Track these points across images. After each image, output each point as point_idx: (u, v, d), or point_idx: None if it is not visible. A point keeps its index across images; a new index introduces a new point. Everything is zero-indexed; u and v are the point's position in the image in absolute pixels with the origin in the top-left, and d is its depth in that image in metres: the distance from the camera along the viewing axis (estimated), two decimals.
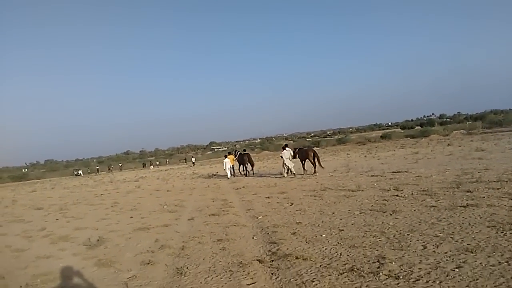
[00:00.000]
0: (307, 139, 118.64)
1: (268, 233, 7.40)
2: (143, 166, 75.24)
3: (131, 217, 11.65)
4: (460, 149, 24.31)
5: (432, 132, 62.81)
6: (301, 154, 20.15)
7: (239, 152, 25.59)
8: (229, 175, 23.40)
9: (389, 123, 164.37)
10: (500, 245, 5.07)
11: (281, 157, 19.50)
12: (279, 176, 19.86)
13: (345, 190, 11.88)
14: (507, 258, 4.56)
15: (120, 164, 79.27)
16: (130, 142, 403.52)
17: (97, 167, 78.68)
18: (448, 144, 31.67)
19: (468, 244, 5.26)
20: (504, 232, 5.60)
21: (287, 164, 19.26)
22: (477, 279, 4.07)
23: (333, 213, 8.67)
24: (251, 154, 25.92)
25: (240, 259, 5.89)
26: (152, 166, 70.70)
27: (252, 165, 23.75)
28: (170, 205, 13.33)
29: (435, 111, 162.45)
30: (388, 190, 10.94)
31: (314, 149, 20.96)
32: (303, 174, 19.22)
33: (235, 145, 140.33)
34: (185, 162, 72.89)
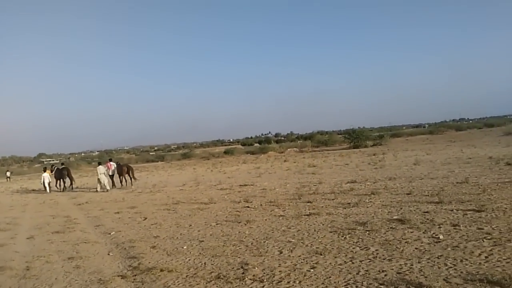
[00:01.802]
0: (151, 153, 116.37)
1: (125, 248, 7.10)
2: None
3: None
4: (296, 165, 26.82)
5: (269, 149, 67.94)
6: (118, 169, 21.39)
7: (56, 167, 24.85)
8: (46, 188, 22.83)
9: (231, 140, 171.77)
10: (343, 247, 5.83)
11: (97, 172, 20.77)
12: (127, 190, 19.15)
13: (198, 203, 12.08)
14: (350, 257, 5.28)
15: None
16: None
17: None
18: (285, 160, 34.66)
19: (317, 248, 5.91)
20: (344, 236, 6.45)
21: (100, 179, 20.22)
22: (330, 277, 4.62)
23: (190, 225, 8.76)
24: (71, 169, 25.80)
25: (99, 276, 5.53)
26: None
27: (72, 180, 23.62)
28: (1, 223, 11.69)
29: (272, 130, 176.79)
30: (239, 202, 11.50)
31: (131, 165, 23.37)
32: (120, 188, 20.98)
33: (69, 158, 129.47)
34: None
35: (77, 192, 21.51)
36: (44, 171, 23.88)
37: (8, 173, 53.35)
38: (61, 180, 23.31)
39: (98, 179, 20.28)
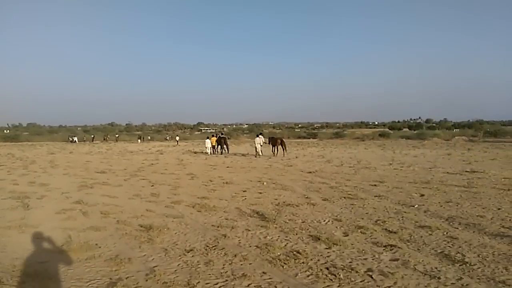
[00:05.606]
0: (296, 130, 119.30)
1: (460, 223, 6.95)
2: (139, 139, 72.02)
3: (244, 190, 11.13)
4: (493, 156, 24.36)
5: (428, 135, 63.23)
6: (272, 141, 26.29)
7: (218, 136, 31.30)
8: (209, 152, 29.40)
9: (376, 122, 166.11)
10: None
11: (254, 142, 25.67)
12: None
13: (451, 186, 11.57)
14: None
15: (117, 135, 77.55)
16: (115, 114, 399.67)
17: (93, 136, 76.30)
18: (469, 149, 32.04)
19: None
20: None
21: (257, 148, 25.06)
22: None
23: (486, 207, 8.29)
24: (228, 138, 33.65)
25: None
26: (139, 140, 68.57)
27: (227, 147, 30.14)
28: (266, 181, 12.98)
29: (422, 116, 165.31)
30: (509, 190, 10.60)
31: (284, 139, 27.96)
32: (270, 157, 24.69)
33: (222, 128, 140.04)
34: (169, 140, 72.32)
35: (231, 157, 26.32)
36: (208, 138, 30.35)
37: (177, 138, 61.09)
38: (220, 146, 29.82)
39: (255, 147, 25.17)
